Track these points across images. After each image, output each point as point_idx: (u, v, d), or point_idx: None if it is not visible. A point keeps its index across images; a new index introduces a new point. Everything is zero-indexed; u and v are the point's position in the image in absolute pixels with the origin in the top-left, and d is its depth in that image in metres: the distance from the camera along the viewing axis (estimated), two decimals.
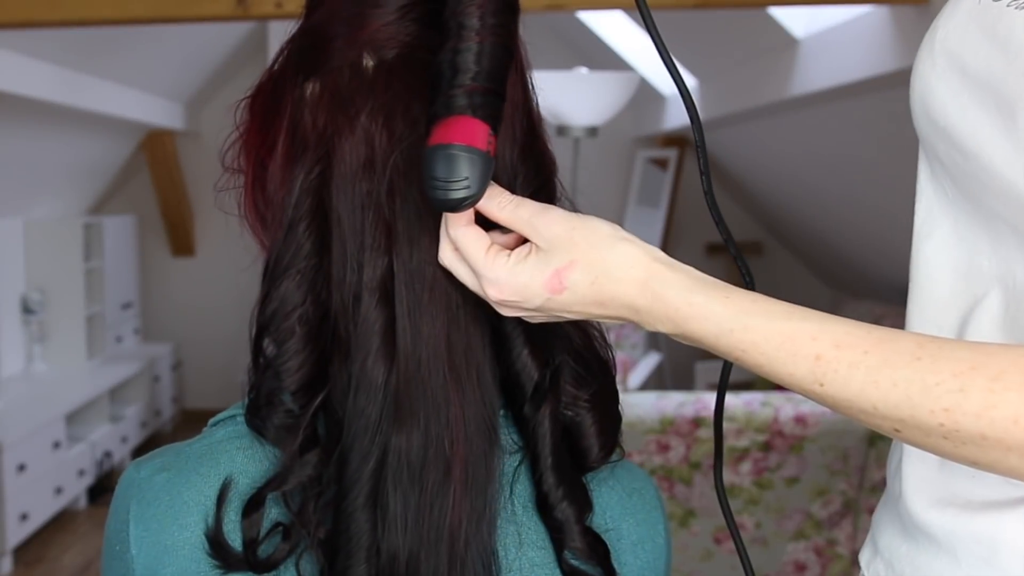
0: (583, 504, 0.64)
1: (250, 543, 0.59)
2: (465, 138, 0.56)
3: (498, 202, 0.59)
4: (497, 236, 0.61)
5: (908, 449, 0.70)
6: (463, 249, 0.59)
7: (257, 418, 0.61)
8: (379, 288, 0.60)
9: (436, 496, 0.60)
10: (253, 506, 0.59)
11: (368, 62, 0.61)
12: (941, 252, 0.67)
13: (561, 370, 0.65)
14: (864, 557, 0.75)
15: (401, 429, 0.60)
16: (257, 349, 0.62)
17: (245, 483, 0.61)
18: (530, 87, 0.66)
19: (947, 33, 0.63)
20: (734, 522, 0.74)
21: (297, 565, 0.59)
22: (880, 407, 0.52)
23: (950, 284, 0.66)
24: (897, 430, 0.52)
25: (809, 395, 0.55)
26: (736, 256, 0.68)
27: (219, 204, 0.69)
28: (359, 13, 0.62)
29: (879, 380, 0.52)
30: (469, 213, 0.59)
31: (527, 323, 0.64)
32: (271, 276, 0.62)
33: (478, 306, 0.63)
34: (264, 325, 0.61)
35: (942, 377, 0.50)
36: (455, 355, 0.61)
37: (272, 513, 0.60)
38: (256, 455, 0.62)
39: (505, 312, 0.60)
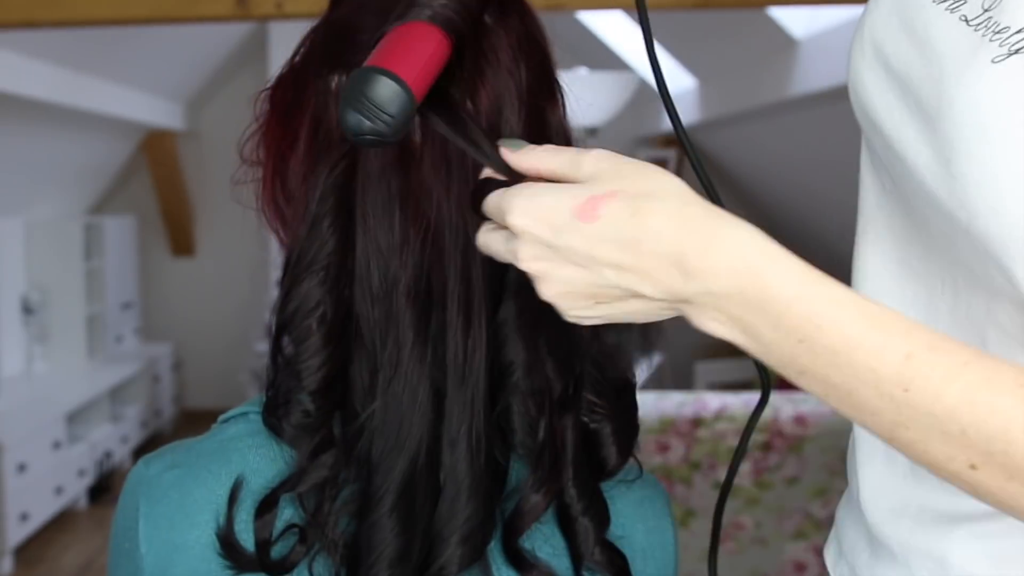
0: (603, 518, 0.64)
1: (263, 544, 0.58)
2: (411, 77, 0.53)
3: (538, 153, 0.53)
4: None
5: (863, 449, 0.65)
6: (489, 199, 0.53)
7: (274, 417, 0.61)
8: (410, 287, 0.59)
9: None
10: (266, 506, 0.59)
11: None
12: (875, 248, 0.62)
13: (584, 379, 0.64)
14: (829, 556, 0.71)
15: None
16: (276, 347, 0.61)
17: (258, 482, 0.60)
18: (565, 114, 0.65)
19: (874, 20, 0.58)
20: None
21: (310, 567, 0.58)
22: (971, 433, 0.43)
23: (882, 282, 0.62)
24: (974, 466, 0.43)
25: (883, 405, 0.45)
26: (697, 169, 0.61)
27: (235, 197, 0.68)
28: (387, 7, 0.60)
29: (977, 400, 0.43)
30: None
31: (551, 329, 0.61)
32: (292, 273, 0.60)
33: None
34: (284, 323, 0.60)
35: None
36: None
37: (285, 514, 0.59)
38: (269, 454, 0.61)
39: (526, 257, 0.50)
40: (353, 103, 0.53)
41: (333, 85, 0.61)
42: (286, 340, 0.61)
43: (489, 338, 0.60)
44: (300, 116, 0.62)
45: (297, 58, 0.65)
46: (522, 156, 0.53)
